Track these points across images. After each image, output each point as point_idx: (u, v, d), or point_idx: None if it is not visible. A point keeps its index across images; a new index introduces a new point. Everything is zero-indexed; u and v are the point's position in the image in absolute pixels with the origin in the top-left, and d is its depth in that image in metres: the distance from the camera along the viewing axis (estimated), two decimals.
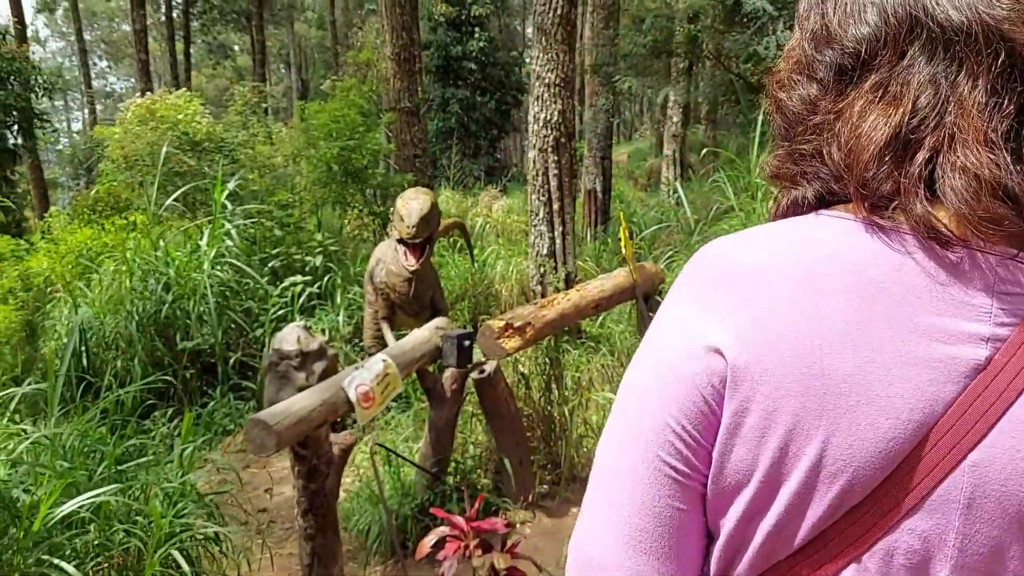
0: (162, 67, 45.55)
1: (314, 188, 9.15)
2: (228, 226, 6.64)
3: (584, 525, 0.82)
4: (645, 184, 24.51)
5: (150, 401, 6.19)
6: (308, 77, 48.27)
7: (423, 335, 3.99)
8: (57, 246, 7.91)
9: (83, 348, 5.97)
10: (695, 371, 0.74)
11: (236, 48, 52.81)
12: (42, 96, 9.84)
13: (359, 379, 3.40)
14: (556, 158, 7.45)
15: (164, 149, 6.74)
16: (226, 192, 6.75)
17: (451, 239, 9.35)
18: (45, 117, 9.73)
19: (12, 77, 9.57)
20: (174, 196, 6.75)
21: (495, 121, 23.51)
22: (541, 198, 7.53)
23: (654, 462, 0.76)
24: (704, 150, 13.08)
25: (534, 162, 7.53)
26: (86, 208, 8.68)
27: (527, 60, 29.29)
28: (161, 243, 6.39)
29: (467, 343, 3.97)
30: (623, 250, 4.76)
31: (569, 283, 7.58)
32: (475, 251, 8.65)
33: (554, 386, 4.40)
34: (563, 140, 7.44)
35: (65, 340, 6.01)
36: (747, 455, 0.72)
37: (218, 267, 6.45)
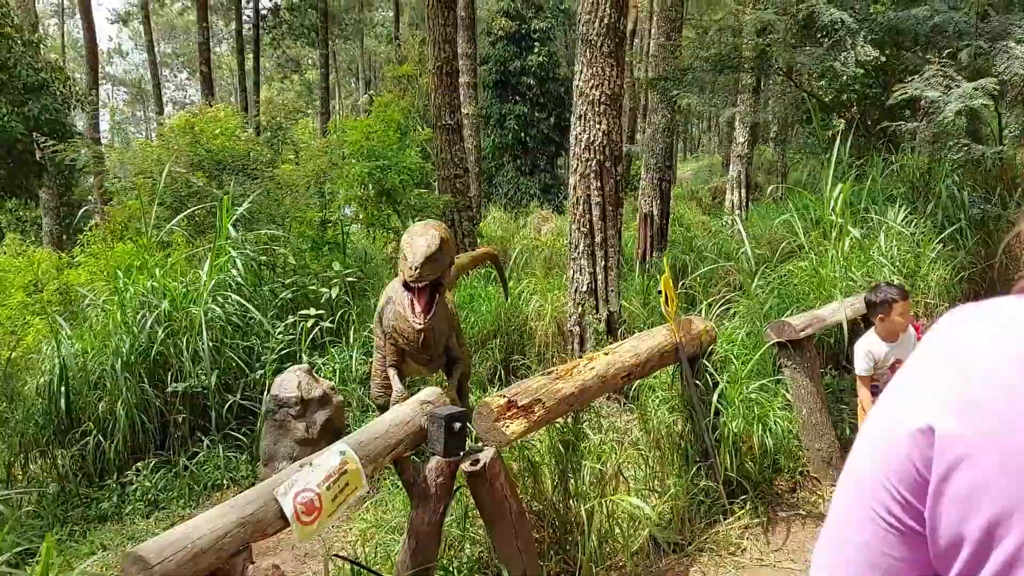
0: (234, 80, 46.21)
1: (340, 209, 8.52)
2: (233, 253, 5.99)
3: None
4: (710, 205, 23.43)
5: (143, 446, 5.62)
6: (376, 91, 48.41)
7: (402, 413, 3.21)
8: (98, 261, 7.45)
9: (63, 388, 5.39)
10: (909, 443, 0.79)
11: (310, 61, 53.34)
12: (74, 109, 9.50)
13: (302, 483, 2.62)
14: (599, 184, 6.63)
15: (167, 167, 6.16)
16: (234, 216, 6.12)
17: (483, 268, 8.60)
18: (76, 131, 9.35)
19: (42, 89, 9.21)
20: (177, 219, 6.14)
21: (553, 138, 22.72)
22: (581, 229, 6.71)
23: (874, 518, 0.84)
24: (772, 173, 12.09)
25: (574, 188, 6.72)
26: (119, 224, 8.23)
27: None
28: (158, 271, 5.76)
29: (458, 425, 3.17)
30: (664, 307, 3.91)
31: (611, 326, 6.73)
32: (512, 281, 7.87)
33: (571, 475, 3.56)
34: (607, 164, 6.61)
35: (47, 378, 5.44)
36: (954, 523, 0.76)
37: (219, 299, 5.81)
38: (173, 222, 6.02)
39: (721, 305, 5.61)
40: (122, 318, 5.60)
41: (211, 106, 10.60)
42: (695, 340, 4.21)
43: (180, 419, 5.67)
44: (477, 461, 3.17)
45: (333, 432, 5.61)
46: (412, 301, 4.50)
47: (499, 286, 7.61)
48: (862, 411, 4.13)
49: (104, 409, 5.46)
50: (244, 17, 35.02)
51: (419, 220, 9.91)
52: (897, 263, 5.68)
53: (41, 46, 9.63)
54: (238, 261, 5.98)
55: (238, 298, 5.68)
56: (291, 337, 6.01)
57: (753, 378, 4.39)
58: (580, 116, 6.64)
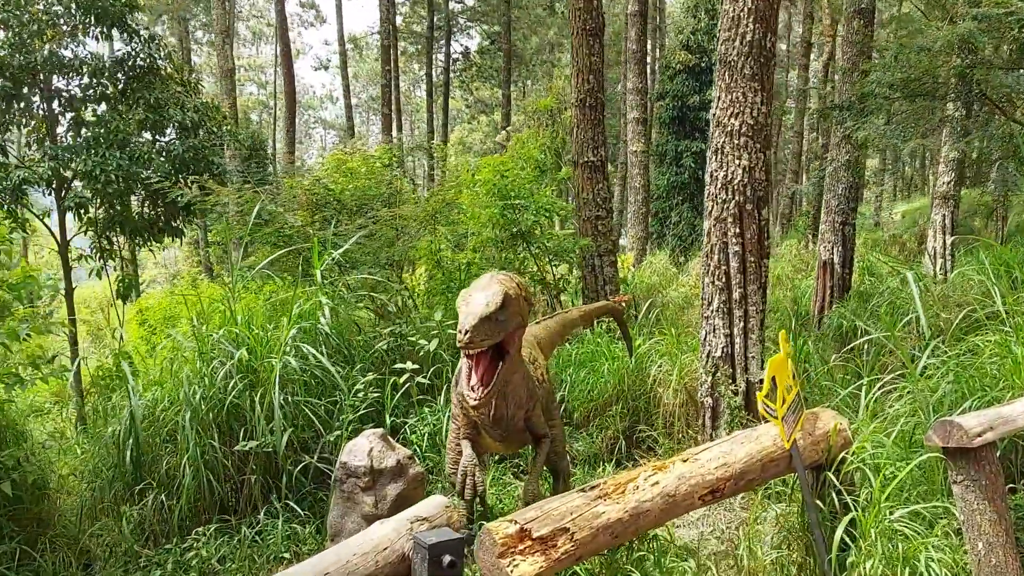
0: (419, 120, 48.06)
1: (470, 252, 7.95)
2: (323, 300, 5.52)
3: None
4: (915, 251, 20.97)
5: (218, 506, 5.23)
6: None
7: (378, 535, 2.45)
8: (257, 297, 7.36)
9: (132, 440, 5.10)
10: None
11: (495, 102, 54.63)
12: (229, 149, 9.69)
13: None
14: (738, 230, 5.58)
15: (256, 207, 5.83)
16: (326, 260, 5.66)
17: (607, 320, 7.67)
18: (227, 173, 9.50)
19: (195, 129, 9.42)
20: (265, 262, 5.78)
21: None
22: (716, 283, 5.68)
23: None
24: (993, 218, 10.25)
25: (708, 234, 5.72)
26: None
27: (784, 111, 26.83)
28: (239, 318, 5.39)
29: (448, 558, 2.36)
30: (764, 403, 2.90)
31: (750, 399, 5.62)
32: (642, 338, 6.91)
33: None
34: (749, 207, 5.56)
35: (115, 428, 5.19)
36: None
37: (301, 350, 5.34)
38: (261, 265, 5.66)
39: (882, 388, 4.39)
40: (198, 367, 5.26)
41: (362, 144, 10.50)
42: (818, 444, 3.13)
43: (252, 480, 5.22)
44: None
45: (405, 509, 4.93)
46: (471, 370, 3.74)
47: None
48: None
49: (171, 464, 5.11)
50: (437, 61, 36.29)
51: (555, 264, 9.21)
52: None
53: (199, 86, 9.88)
54: (326, 309, 5.49)
55: (312, 351, 5.15)
56: (377, 394, 5.42)
57: (903, 499, 3.22)
58: (717, 150, 5.65)
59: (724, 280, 5.66)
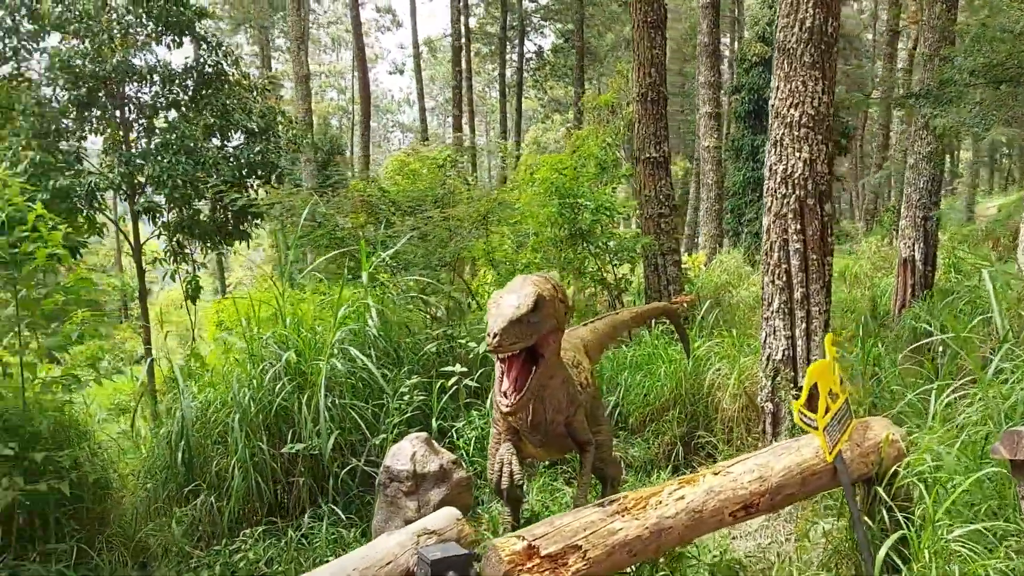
0: (494, 121, 48.14)
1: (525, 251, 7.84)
2: (370, 303, 5.49)
3: None
4: (1010, 247, 19.82)
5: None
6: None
7: (385, 549, 2.36)
8: (307, 299, 7.48)
9: (184, 441, 5.16)
10: None
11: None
12: (290, 151, 9.84)
13: None
14: (799, 227, 5.30)
15: (306, 209, 5.84)
16: (375, 261, 5.63)
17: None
18: (287, 173, 9.65)
19: (262, 134, 9.59)
20: (317, 262, 5.79)
21: None
22: (777, 282, 5.41)
23: None
24: None
25: (768, 231, 5.45)
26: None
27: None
28: (288, 320, 5.41)
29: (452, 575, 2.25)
30: (801, 412, 2.69)
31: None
32: (701, 339, 6.66)
33: None
34: (811, 202, 5.28)
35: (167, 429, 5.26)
36: None
37: (348, 353, 5.31)
38: (311, 267, 5.67)
39: (951, 393, 4.07)
40: (248, 369, 5.29)
41: (425, 145, 10.52)
42: (867, 457, 2.90)
43: (300, 482, 5.23)
44: None
45: None
46: (503, 374, 3.62)
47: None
48: None
49: (221, 466, 5.15)
50: (511, 61, 36.25)
51: (617, 264, 9.00)
52: None
53: (267, 92, 10.05)
54: (373, 311, 5.46)
55: (358, 353, 5.12)
56: (423, 398, 5.36)
57: (967, 516, 2.95)
58: (776, 142, 5.39)
59: (785, 279, 5.38)
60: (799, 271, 5.33)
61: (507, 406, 3.53)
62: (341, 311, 5.32)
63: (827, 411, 2.81)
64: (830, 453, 2.71)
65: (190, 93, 9.30)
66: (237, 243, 9.93)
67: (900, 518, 2.84)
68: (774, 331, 5.42)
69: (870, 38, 39.20)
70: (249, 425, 5.15)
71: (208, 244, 9.53)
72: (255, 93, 9.95)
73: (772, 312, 5.43)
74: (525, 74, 37.45)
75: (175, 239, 9.07)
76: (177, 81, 9.24)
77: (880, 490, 2.90)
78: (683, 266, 9.57)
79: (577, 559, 2.26)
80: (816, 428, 2.71)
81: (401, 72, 45.40)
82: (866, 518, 2.86)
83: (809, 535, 3.16)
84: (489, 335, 3.41)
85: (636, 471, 5.83)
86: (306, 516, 5.08)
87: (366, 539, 5.05)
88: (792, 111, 5.24)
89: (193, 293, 9.42)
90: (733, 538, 4.45)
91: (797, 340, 5.37)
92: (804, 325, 5.35)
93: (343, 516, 5.01)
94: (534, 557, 2.23)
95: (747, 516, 2.66)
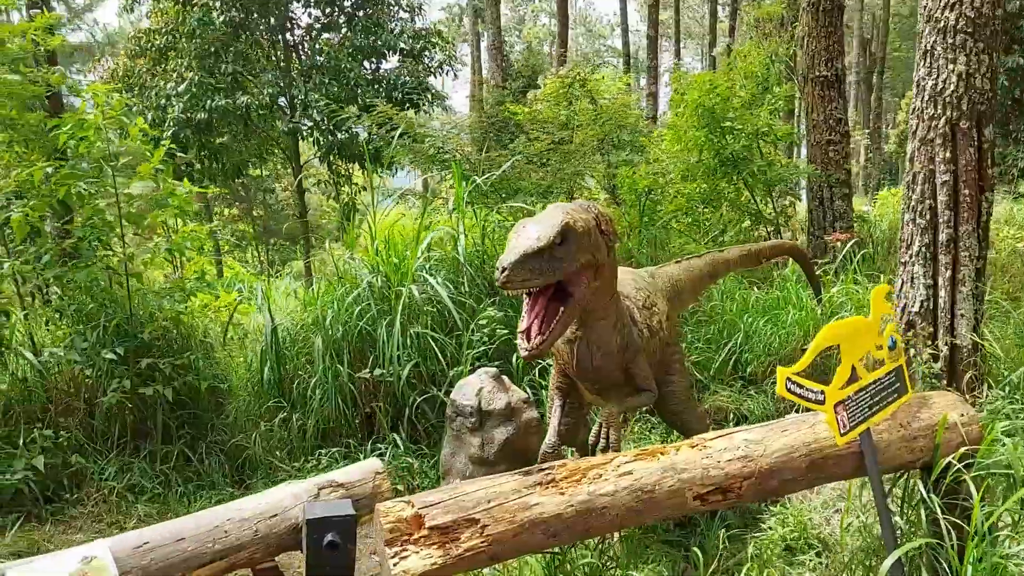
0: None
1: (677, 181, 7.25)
2: (459, 229, 5.28)
3: None
4: None
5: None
6: (876, 51, 43.59)
7: (275, 499, 2.15)
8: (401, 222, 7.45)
9: (274, 358, 5.28)
10: None
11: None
12: (437, 72, 9.71)
13: None
14: (949, 154, 4.37)
15: (435, 123, 5.66)
16: (470, 187, 5.39)
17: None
18: (435, 92, 9.53)
19: (417, 55, 9.55)
20: (401, 190, 5.63)
21: None
22: (919, 220, 4.53)
23: None
24: None
25: (911, 160, 4.55)
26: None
27: None
28: (381, 245, 5.32)
29: (330, 539, 2.01)
30: (786, 382, 2.14)
31: (955, 367, 4.46)
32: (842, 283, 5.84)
33: None
34: (965, 124, 4.32)
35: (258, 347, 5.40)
36: None
37: (430, 280, 5.15)
38: (402, 191, 5.52)
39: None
40: (335, 291, 5.29)
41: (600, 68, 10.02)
42: (913, 441, 2.29)
43: (380, 408, 5.20)
44: None
45: (514, 456, 4.60)
46: (525, 314, 3.24)
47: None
48: None
49: (306, 385, 5.23)
50: None
51: (775, 195, 8.13)
52: None
53: (422, 10, 9.94)
54: (461, 238, 5.23)
55: (434, 281, 4.93)
56: (506, 333, 5.10)
57: None
58: (926, 52, 4.43)
59: (929, 217, 4.50)
60: (946, 208, 4.42)
61: (525, 350, 3.15)
62: (427, 239, 5.14)
63: (852, 381, 2.22)
64: (841, 435, 2.13)
65: (347, 15, 9.37)
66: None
67: (942, 521, 2.21)
68: (912, 279, 4.56)
69: None
70: (333, 347, 5.17)
71: (362, 168, 9.72)
72: (412, 13, 9.87)
73: (911, 256, 4.57)
74: None
75: (328, 160, 9.32)
76: (336, 2, 9.33)
77: (919, 483, 2.27)
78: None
79: (473, 535, 1.92)
80: (818, 402, 2.13)
81: None
82: (893, 520, 2.26)
83: (847, 527, 2.59)
84: (498, 268, 3.04)
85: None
86: (381, 443, 5.05)
87: (436, 471, 4.96)
88: (947, 13, 4.26)
89: (347, 213, 9.68)
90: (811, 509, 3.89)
91: (940, 290, 4.49)
92: (949, 273, 4.46)
93: (409, 445, 4.92)
94: (420, 527, 1.93)
95: (725, 501, 2.18)
